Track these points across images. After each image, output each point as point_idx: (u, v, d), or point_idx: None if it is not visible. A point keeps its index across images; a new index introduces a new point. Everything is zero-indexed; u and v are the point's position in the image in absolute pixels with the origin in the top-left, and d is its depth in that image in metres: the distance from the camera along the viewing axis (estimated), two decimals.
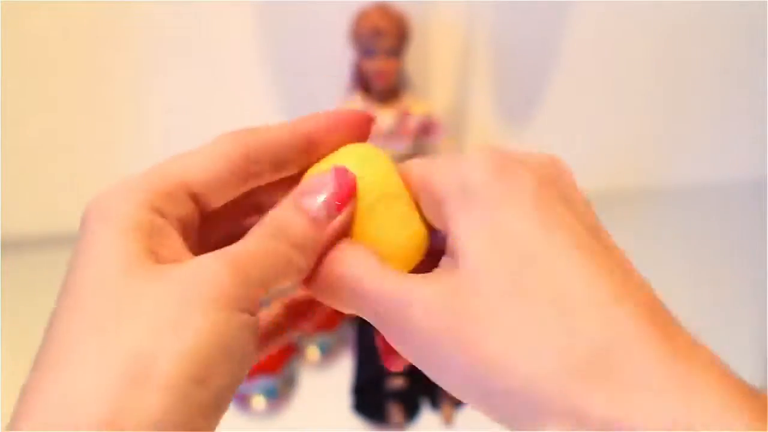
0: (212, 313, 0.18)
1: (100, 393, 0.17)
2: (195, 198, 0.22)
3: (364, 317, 0.21)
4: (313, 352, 0.69)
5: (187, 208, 0.21)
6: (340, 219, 0.22)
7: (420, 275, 0.20)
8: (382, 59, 0.64)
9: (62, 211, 0.79)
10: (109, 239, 0.19)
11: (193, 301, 0.18)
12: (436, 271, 0.21)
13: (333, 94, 0.70)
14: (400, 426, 0.63)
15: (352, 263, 0.21)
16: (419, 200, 0.23)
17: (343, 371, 0.67)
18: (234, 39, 0.72)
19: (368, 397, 0.64)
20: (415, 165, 0.23)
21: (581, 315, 0.18)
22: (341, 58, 0.68)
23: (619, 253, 0.20)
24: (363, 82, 0.67)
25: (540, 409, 0.17)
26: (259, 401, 0.65)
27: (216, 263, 0.19)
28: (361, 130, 0.24)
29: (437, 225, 0.22)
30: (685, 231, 0.82)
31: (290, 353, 0.68)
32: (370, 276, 0.21)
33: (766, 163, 0.81)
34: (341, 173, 0.22)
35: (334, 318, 0.69)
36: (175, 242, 0.21)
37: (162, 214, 0.21)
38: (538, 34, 0.75)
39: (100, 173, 0.68)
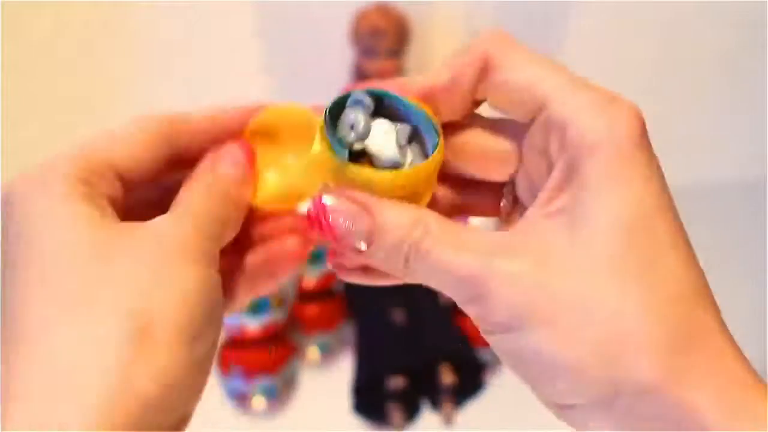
0: (193, 270, 0.19)
1: (107, 353, 0.16)
2: (120, 177, 0.21)
3: (435, 287, 0.20)
4: (313, 352, 0.69)
5: (114, 187, 0.21)
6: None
7: (500, 238, 0.19)
8: (382, 59, 0.64)
9: None
10: (56, 204, 0.19)
11: (172, 258, 0.18)
12: (518, 230, 0.19)
13: (333, 94, 0.70)
14: (400, 426, 0.63)
15: (418, 229, 0.19)
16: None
17: (343, 371, 0.67)
18: (234, 39, 0.72)
19: (368, 397, 0.64)
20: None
21: (677, 302, 0.18)
22: (341, 58, 0.68)
23: None
24: (363, 82, 0.67)
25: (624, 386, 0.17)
26: (259, 401, 0.65)
27: (182, 220, 0.20)
28: None
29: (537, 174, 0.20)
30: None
31: (290, 353, 0.68)
32: (442, 245, 0.19)
33: (766, 163, 0.81)
34: (247, 151, 0.24)
35: (334, 318, 0.69)
36: (111, 210, 0.20)
37: (92, 188, 0.20)
38: (538, 34, 0.75)
39: None
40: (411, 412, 0.64)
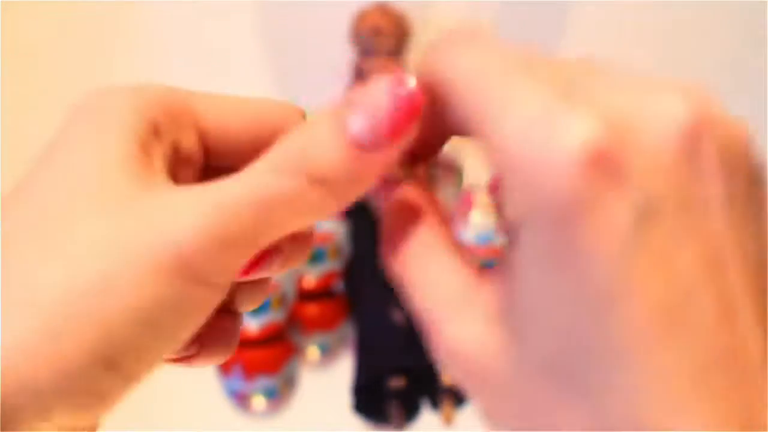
0: (159, 283, 0.14)
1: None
2: (201, 133, 0.18)
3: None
4: (313, 352, 0.69)
5: (187, 137, 0.18)
6: (388, 153, 0.15)
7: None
8: (382, 59, 0.64)
9: None
10: (103, 137, 0.16)
11: (143, 255, 0.14)
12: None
13: (333, 94, 0.70)
14: (400, 426, 0.63)
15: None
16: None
17: (343, 371, 0.67)
18: (234, 39, 0.72)
19: (368, 397, 0.64)
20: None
21: None
22: (341, 58, 0.68)
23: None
24: (363, 82, 0.67)
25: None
26: (259, 401, 0.65)
27: (197, 208, 0.14)
28: None
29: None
30: None
31: (290, 353, 0.68)
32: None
33: (766, 163, 0.81)
34: (402, 84, 0.15)
35: (334, 318, 0.69)
36: (161, 169, 0.17)
37: (156, 132, 0.17)
38: (539, 35, 0.75)
39: None
40: (411, 412, 0.64)
